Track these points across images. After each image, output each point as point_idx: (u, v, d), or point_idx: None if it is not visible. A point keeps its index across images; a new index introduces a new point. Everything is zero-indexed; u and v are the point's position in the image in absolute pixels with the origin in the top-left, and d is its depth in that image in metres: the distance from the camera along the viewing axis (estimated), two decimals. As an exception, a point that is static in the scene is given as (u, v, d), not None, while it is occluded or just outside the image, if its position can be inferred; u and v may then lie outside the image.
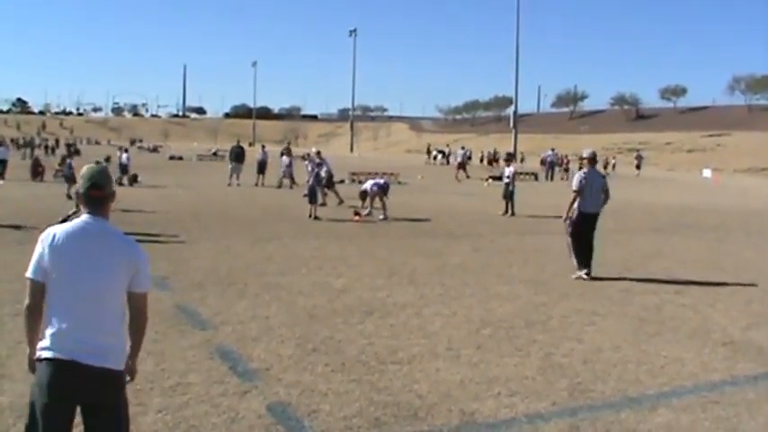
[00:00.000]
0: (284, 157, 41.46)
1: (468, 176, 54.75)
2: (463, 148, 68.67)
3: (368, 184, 26.59)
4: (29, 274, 4.85)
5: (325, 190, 30.47)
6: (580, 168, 16.27)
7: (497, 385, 8.32)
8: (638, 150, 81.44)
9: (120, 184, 36.73)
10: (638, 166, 73.12)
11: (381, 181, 27.22)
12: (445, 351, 9.67)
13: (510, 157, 33.26)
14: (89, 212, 4.93)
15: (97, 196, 4.95)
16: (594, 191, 15.47)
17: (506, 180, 28.83)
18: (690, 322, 11.69)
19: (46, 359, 4.71)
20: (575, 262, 15.41)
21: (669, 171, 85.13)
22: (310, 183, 26.48)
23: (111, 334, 4.80)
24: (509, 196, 28.37)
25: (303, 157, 42.72)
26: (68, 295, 4.75)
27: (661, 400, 8.08)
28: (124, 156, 40.88)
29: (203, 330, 10.37)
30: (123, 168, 39.67)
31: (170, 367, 8.64)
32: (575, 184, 15.48)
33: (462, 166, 58.56)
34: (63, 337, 4.71)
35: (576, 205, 15.47)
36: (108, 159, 31.30)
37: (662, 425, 7.35)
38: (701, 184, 58.99)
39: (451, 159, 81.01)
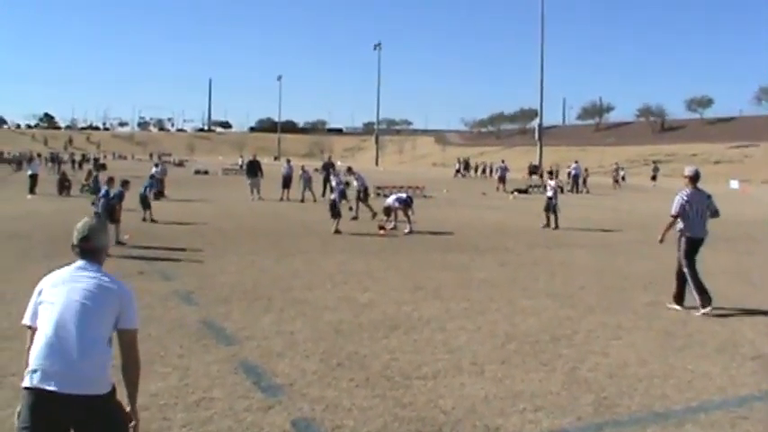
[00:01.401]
0: (304, 171, 41.35)
1: (505, 190, 54.56)
2: (503, 161, 68.70)
3: (391, 200, 26.60)
4: (24, 321, 5.09)
5: (359, 204, 30.63)
6: (653, 178, 15.70)
7: (522, 401, 8.28)
8: (655, 162, 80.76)
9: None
10: (653, 177, 72.61)
11: (404, 196, 27.19)
12: (470, 366, 9.64)
13: (553, 171, 33.20)
14: (82, 260, 5.23)
15: (88, 249, 5.24)
16: (700, 213, 13.96)
17: (549, 193, 28.72)
18: (717, 336, 11.59)
19: (28, 388, 4.79)
20: (697, 298, 13.50)
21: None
22: (333, 197, 26.56)
23: (95, 365, 4.85)
24: (551, 209, 28.24)
25: (316, 170, 42.83)
26: (53, 326, 4.87)
27: (688, 415, 8.01)
28: (155, 170, 41.37)
29: (228, 345, 10.39)
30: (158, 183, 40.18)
31: (194, 382, 8.67)
32: (674, 207, 14.00)
33: (502, 179, 59.67)
34: (46, 366, 4.77)
35: (680, 229, 14.06)
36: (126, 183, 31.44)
37: (689, 440, 7.29)
38: (728, 195, 58.48)
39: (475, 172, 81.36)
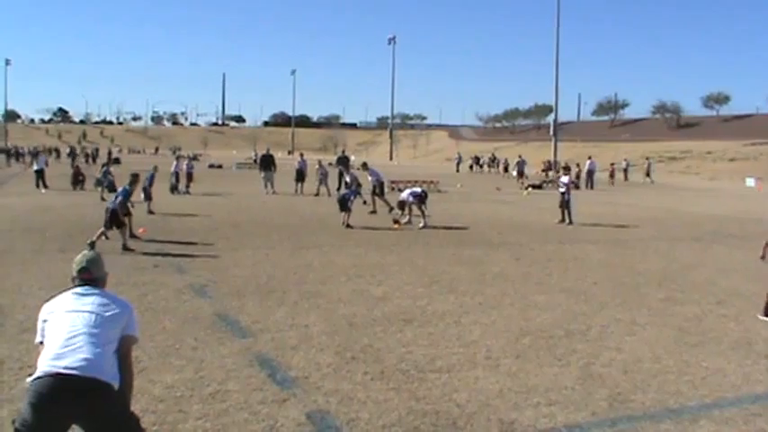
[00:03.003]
0: (319, 166, 41.53)
1: (524, 185, 54.54)
2: (520, 156, 68.79)
3: (405, 194, 26.62)
4: (37, 339, 5.30)
5: (375, 198, 30.69)
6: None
7: (536, 395, 8.29)
8: (648, 158, 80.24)
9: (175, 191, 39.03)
10: (647, 174, 72.29)
11: (419, 190, 27.17)
12: (484, 360, 9.65)
13: (567, 167, 33.15)
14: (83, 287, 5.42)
15: (87, 279, 5.43)
16: None
17: (562, 189, 28.67)
18: (732, 333, 11.57)
19: (35, 379, 4.90)
20: None
21: (711, 180, 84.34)
22: (343, 193, 26.65)
23: (105, 360, 5.02)
24: (565, 205, 28.20)
25: (330, 164, 42.82)
26: (63, 339, 5.02)
27: (702, 411, 8.01)
28: (184, 165, 42.45)
29: (243, 338, 10.43)
30: (185, 176, 41.33)
31: (209, 375, 8.70)
32: None
33: (521, 174, 60.85)
34: (52, 362, 4.91)
35: None
36: (155, 169, 31.62)
37: (703, 437, 7.29)
38: (744, 192, 58.34)
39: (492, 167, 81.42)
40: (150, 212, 27.24)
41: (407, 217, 25.98)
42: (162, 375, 8.62)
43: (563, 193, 28.39)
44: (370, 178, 31.51)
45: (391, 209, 29.31)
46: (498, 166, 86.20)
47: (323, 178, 40.23)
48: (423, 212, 25.57)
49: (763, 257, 13.56)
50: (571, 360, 9.77)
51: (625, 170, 72.86)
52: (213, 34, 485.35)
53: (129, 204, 20.42)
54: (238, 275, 15.26)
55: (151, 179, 29.53)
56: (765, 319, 12.52)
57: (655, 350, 10.40)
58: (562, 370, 9.33)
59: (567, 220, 27.82)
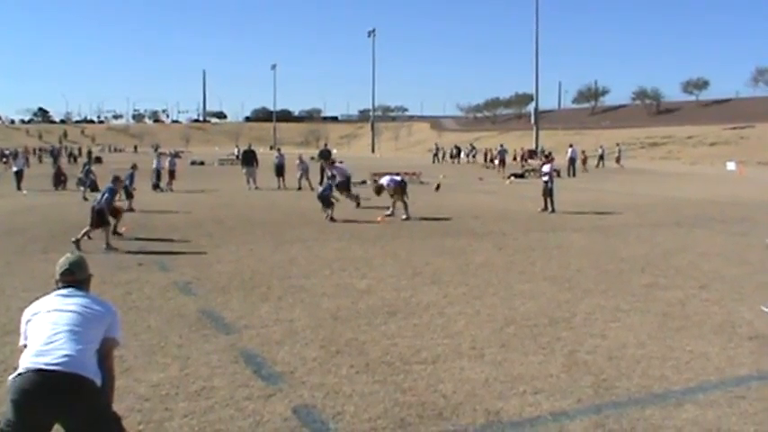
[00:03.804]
0: (299, 162, 41.45)
1: (504, 174, 54.68)
2: (501, 145, 69.23)
3: (385, 180, 26.60)
4: (21, 342, 5.31)
5: (338, 194, 30.59)
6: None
7: (522, 384, 8.32)
8: (618, 144, 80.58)
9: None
10: (617, 160, 72.74)
11: (398, 178, 27.13)
12: (469, 350, 9.68)
13: (549, 155, 33.20)
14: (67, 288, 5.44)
15: (70, 281, 5.45)
16: None
17: (545, 177, 28.77)
18: (715, 317, 11.62)
19: (17, 376, 4.93)
20: None
21: (692, 165, 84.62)
22: (320, 190, 26.67)
23: (86, 357, 5.05)
24: (548, 193, 28.28)
25: (313, 158, 42.70)
26: (45, 338, 5.04)
27: (687, 395, 8.05)
28: (167, 162, 42.41)
29: (227, 335, 10.43)
30: (168, 174, 41.27)
31: (195, 372, 8.70)
32: None
33: (502, 162, 61.72)
34: (34, 359, 4.94)
35: None
36: (134, 167, 31.60)
37: (688, 421, 7.32)
38: (725, 176, 58.60)
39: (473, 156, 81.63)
40: (131, 210, 27.18)
41: (390, 210, 25.95)
42: (147, 374, 8.61)
43: (546, 182, 28.47)
44: (335, 173, 31.30)
45: (358, 204, 29.40)
46: (477, 156, 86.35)
47: (303, 173, 40.13)
48: (405, 204, 25.57)
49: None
50: (556, 348, 9.81)
51: (601, 157, 73.19)
52: (193, 31, 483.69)
53: (119, 204, 20.44)
54: (222, 272, 15.25)
55: (131, 178, 29.48)
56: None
57: (639, 336, 10.44)
58: (547, 358, 9.36)
59: (550, 209, 27.90)
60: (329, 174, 29.41)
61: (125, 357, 8.90)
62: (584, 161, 65.17)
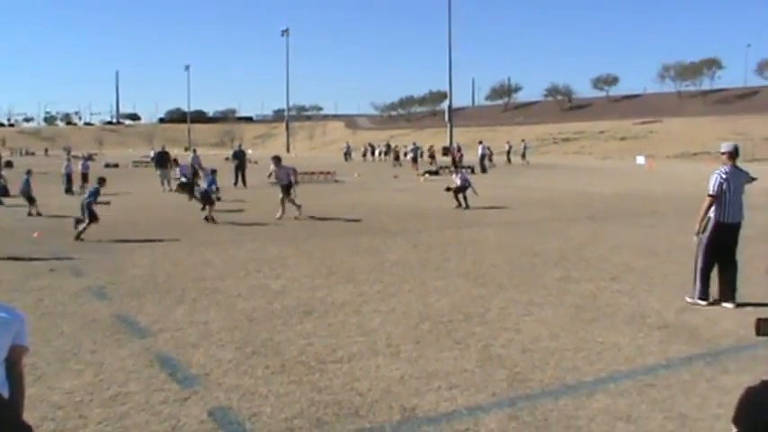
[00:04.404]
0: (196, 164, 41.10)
1: (418, 171, 55.00)
2: (414, 143, 69.90)
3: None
4: None
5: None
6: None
7: (437, 379, 8.39)
8: (524, 140, 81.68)
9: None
10: (523, 155, 73.91)
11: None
12: (385, 348, 9.73)
13: (451, 151, 33.85)
14: None
15: None
16: (735, 194, 12.40)
17: (458, 182, 29.16)
18: (625, 308, 11.87)
19: None
20: (698, 286, 12.33)
21: (604, 159, 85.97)
22: (203, 188, 26.48)
23: None
24: (461, 190, 28.63)
25: (227, 159, 42.25)
26: None
27: (598, 385, 8.21)
28: (79, 165, 42.03)
29: (142, 338, 10.32)
30: (80, 177, 40.85)
31: (109, 377, 8.61)
32: (712, 186, 12.29)
33: (415, 160, 63.86)
34: None
35: (711, 214, 12.43)
36: (29, 172, 31.09)
37: (600, 410, 7.47)
38: (634, 171, 59.67)
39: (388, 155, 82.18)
40: (38, 214, 26.80)
41: (280, 213, 25.60)
42: (60, 381, 8.49)
43: (462, 186, 28.80)
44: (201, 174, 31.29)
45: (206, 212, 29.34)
46: (390, 154, 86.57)
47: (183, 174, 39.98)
48: (293, 202, 25.45)
49: (698, 233, 12.54)
50: (470, 343, 9.91)
51: (508, 153, 74.21)
52: (104, 32, 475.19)
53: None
54: (137, 275, 15.09)
55: (26, 183, 28.94)
56: (696, 301, 12.25)
57: (552, 328, 10.61)
58: (462, 353, 9.46)
59: (464, 205, 28.15)
60: (208, 170, 28.99)
61: (37, 365, 8.77)
62: (490, 158, 65.97)
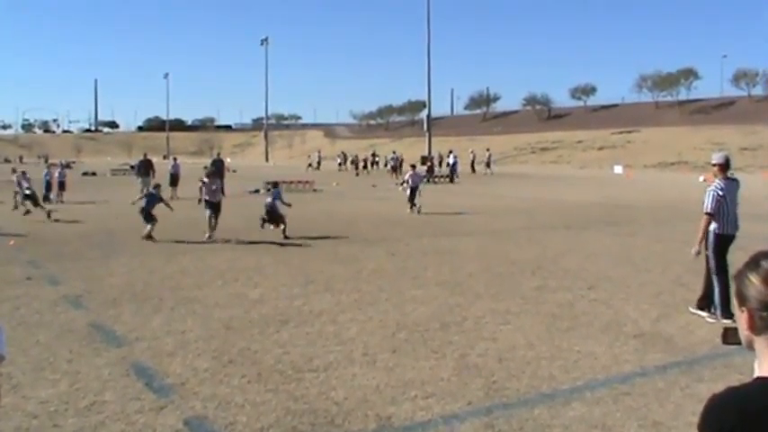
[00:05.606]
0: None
1: (397, 180, 55.11)
2: (394, 152, 70.33)
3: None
4: None
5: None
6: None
7: (413, 388, 8.40)
8: (488, 150, 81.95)
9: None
10: (488, 165, 74.29)
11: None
12: (361, 357, 9.73)
13: (414, 165, 35.44)
14: None
15: None
16: (732, 207, 12.35)
17: (406, 184, 32.12)
18: (602, 317, 11.92)
19: None
20: (720, 305, 11.83)
21: (582, 168, 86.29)
22: (144, 204, 24.42)
23: None
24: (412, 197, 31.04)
25: (205, 167, 41.98)
26: None
27: (574, 394, 8.25)
28: (56, 173, 41.45)
29: (118, 348, 10.30)
30: (57, 185, 40.24)
31: (85, 386, 8.58)
32: (709, 204, 12.15)
33: (395, 169, 64.19)
34: None
35: (711, 228, 12.25)
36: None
37: (575, 419, 7.50)
38: (612, 180, 59.94)
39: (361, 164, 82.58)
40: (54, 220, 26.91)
41: (208, 233, 22.54)
42: (36, 390, 8.46)
43: (412, 189, 31.49)
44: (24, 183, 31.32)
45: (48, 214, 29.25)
46: (377, 165, 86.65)
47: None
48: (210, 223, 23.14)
49: (698, 253, 12.36)
50: (447, 352, 9.93)
51: (472, 163, 74.80)
52: (83, 40, 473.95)
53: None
54: (114, 284, 15.03)
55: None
56: (700, 312, 12.13)
57: (528, 337, 10.65)
58: (438, 362, 9.47)
59: (416, 210, 30.38)
60: (153, 185, 27.53)
61: (13, 374, 8.73)
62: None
